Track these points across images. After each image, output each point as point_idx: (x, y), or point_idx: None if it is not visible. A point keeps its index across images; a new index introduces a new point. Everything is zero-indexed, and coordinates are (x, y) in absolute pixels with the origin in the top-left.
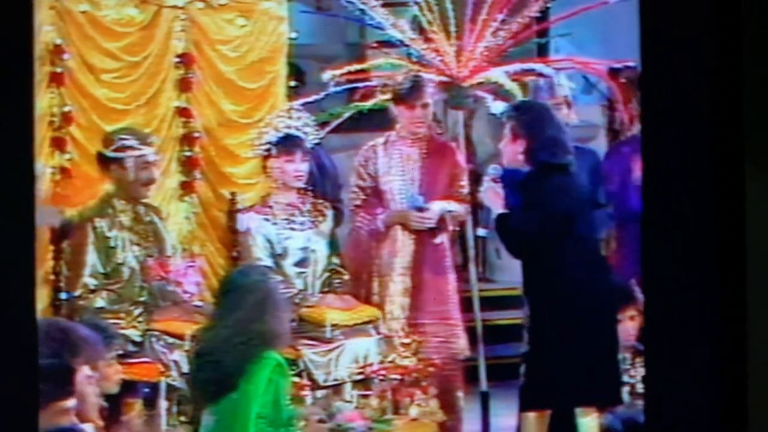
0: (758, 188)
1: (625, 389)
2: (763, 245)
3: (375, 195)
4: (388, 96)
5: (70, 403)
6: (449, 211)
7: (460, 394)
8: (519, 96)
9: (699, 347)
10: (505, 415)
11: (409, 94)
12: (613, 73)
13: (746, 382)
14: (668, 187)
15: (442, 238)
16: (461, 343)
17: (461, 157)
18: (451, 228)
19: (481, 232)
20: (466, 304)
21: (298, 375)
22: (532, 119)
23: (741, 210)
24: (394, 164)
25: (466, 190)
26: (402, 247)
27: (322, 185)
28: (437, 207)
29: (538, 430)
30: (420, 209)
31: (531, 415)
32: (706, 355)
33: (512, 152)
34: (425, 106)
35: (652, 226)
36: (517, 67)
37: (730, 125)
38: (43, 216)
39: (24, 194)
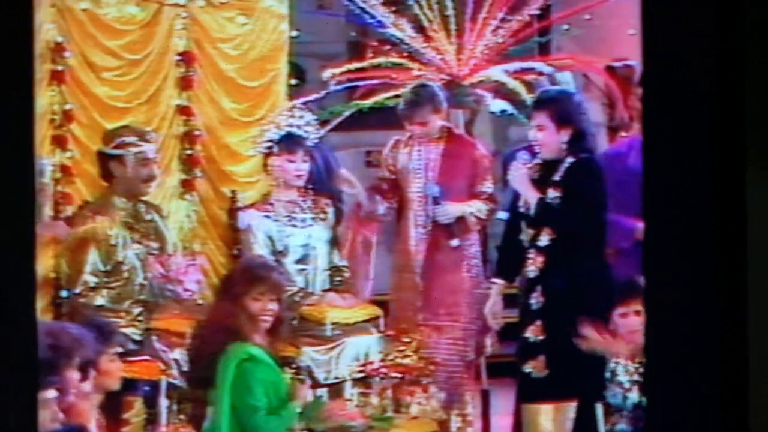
0: (759, 187)
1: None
2: (764, 244)
3: (393, 188)
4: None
5: (50, 394)
6: (470, 213)
7: (468, 395)
8: (522, 94)
9: (700, 347)
10: (507, 413)
11: (408, 112)
12: (612, 71)
13: (747, 382)
14: (669, 187)
15: (460, 241)
16: (479, 342)
17: (482, 152)
18: (473, 230)
19: (501, 215)
20: None
21: (298, 372)
22: (573, 107)
23: (742, 209)
24: (414, 160)
25: (490, 189)
26: (415, 246)
27: (328, 185)
28: (454, 209)
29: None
30: (435, 200)
31: (533, 407)
32: (707, 355)
33: (556, 143)
34: (423, 124)
35: (653, 226)
36: (517, 65)
37: (732, 124)
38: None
39: (24, 193)
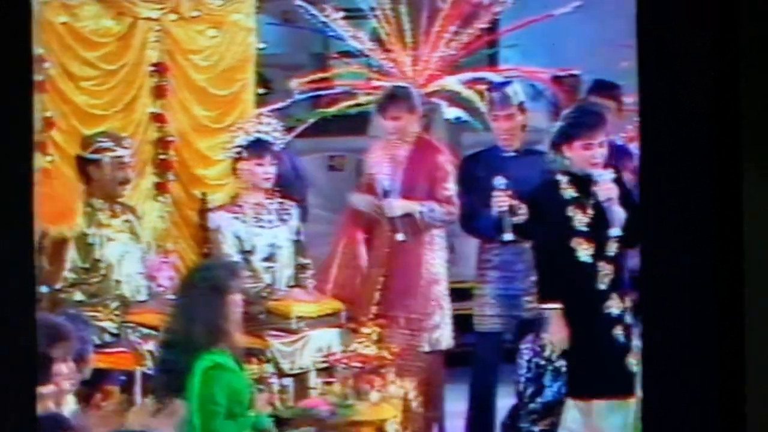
0: (757, 188)
1: None
2: (761, 245)
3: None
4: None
5: (46, 390)
6: (419, 212)
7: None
8: (476, 102)
9: (697, 347)
10: (461, 400)
11: (384, 106)
12: (557, 80)
13: (744, 382)
14: (667, 188)
15: (406, 237)
16: (434, 335)
17: (446, 158)
18: (422, 228)
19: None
20: None
21: (267, 362)
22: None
23: (739, 210)
24: (383, 163)
25: (449, 192)
26: (375, 243)
27: (294, 186)
28: (400, 204)
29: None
30: (385, 194)
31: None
32: (704, 355)
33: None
34: (396, 118)
35: (651, 227)
36: (469, 75)
37: (729, 126)
38: None
39: (22, 194)
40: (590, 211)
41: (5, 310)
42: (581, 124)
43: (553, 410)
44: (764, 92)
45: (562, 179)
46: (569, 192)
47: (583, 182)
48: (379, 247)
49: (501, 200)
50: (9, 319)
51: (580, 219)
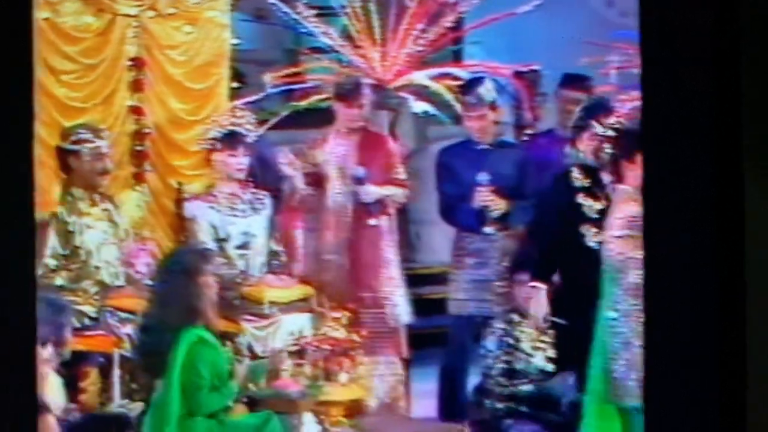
0: (757, 187)
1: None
2: (762, 244)
3: (315, 180)
4: (329, 94)
5: None
6: (387, 195)
7: (396, 358)
8: (445, 96)
9: (698, 348)
10: (425, 381)
11: (348, 94)
12: (519, 75)
13: (745, 383)
14: (668, 190)
15: (378, 221)
16: (396, 312)
17: (393, 145)
18: (390, 211)
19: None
20: None
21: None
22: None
23: (740, 211)
24: (333, 155)
25: (402, 175)
26: (336, 229)
27: (263, 176)
28: (375, 190)
29: None
30: (359, 181)
31: None
32: (705, 356)
33: None
34: (361, 106)
35: (653, 225)
36: (435, 71)
37: (729, 127)
38: None
39: (22, 193)
40: (604, 200)
41: (5, 310)
42: (586, 116)
43: (525, 397)
44: (764, 92)
45: (575, 170)
46: (581, 182)
47: (595, 172)
48: (339, 233)
49: (484, 196)
50: (9, 318)
51: (591, 206)
